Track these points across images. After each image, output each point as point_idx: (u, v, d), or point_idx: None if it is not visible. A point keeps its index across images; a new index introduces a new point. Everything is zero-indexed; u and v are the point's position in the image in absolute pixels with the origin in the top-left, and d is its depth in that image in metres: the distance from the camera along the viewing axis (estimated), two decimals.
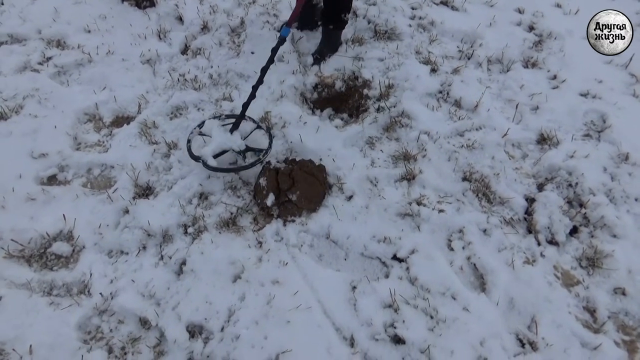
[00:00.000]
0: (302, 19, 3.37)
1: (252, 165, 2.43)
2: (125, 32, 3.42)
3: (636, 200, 2.44)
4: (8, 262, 2.10)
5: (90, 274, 2.09)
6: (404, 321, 1.95)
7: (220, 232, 2.27)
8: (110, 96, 2.90)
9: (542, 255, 2.24)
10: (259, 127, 2.65)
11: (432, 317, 1.97)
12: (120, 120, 2.85)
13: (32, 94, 2.84)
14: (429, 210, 2.35)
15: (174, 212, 2.32)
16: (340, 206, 2.37)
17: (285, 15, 3.59)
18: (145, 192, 2.44)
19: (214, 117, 2.68)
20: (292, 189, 2.34)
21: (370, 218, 2.33)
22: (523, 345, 1.93)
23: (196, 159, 2.42)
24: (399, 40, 3.37)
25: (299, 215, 2.34)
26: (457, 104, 2.93)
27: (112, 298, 2.01)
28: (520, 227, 2.37)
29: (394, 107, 2.86)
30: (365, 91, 2.99)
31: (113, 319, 1.97)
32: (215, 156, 2.43)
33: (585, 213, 2.39)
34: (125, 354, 1.88)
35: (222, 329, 1.92)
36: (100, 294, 2.01)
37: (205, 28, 3.53)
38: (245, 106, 2.52)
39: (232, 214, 2.34)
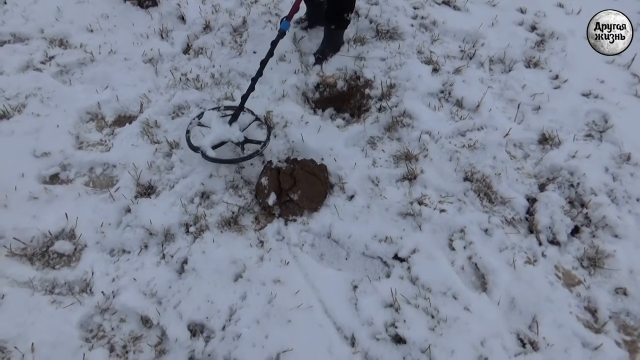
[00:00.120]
0: (312, 17, 3.37)
1: (251, 156, 2.44)
2: (128, 31, 3.43)
3: (638, 200, 2.44)
4: (10, 261, 2.11)
5: (92, 273, 2.10)
6: (404, 321, 1.95)
7: (221, 231, 2.28)
8: (112, 95, 2.91)
9: (543, 255, 2.24)
10: (257, 119, 2.66)
11: (433, 317, 1.98)
12: (123, 120, 2.85)
13: (34, 93, 2.85)
14: (430, 210, 2.35)
15: (175, 211, 2.32)
16: (341, 206, 2.37)
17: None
18: (147, 191, 2.44)
19: (213, 109, 2.69)
20: (293, 188, 2.35)
21: (372, 218, 2.33)
22: (524, 345, 1.93)
23: (195, 149, 2.43)
24: (401, 40, 3.37)
25: (300, 214, 2.34)
26: (459, 103, 2.93)
27: (113, 296, 2.01)
28: (521, 227, 2.37)
29: (396, 106, 2.86)
30: (367, 91, 3.00)
31: (115, 318, 1.97)
32: (214, 147, 2.44)
33: (586, 213, 2.38)
34: (126, 352, 1.88)
35: (224, 328, 1.93)
36: (102, 292, 2.02)
37: (207, 27, 3.53)
38: (245, 98, 2.52)
39: (233, 213, 2.35)
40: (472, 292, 2.08)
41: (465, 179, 2.53)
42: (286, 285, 2.06)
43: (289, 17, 2.48)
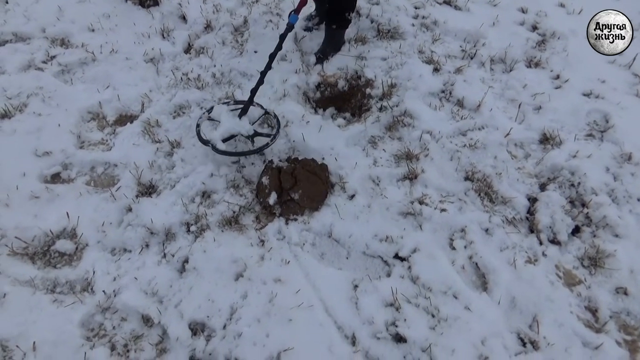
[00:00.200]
0: (322, 14, 3.37)
1: (261, 149, 2.46)
2: (129, 31, 3.43)
3: (638, 200, 2.43)
4: (12, 260, 2.12)
5: (94, 272, 2.10)
6: (405, 320, 1.95)
7: (222, 231, 2.28)
8: (113, 95, 2.92)
9: (544, 254, 2.24)
10: (266, 113, 2.68)
11: (433, 316, 1.98)
12: (124, 119, 2.86)
13: (36, 92, 2.85)
14: (431, 209, 2.35)
15: (176, 210, 2.33)
16: (342, 205, 2.37)
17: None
18: (148, 190, 2.45)
19: (223, 103, 2.70)
20: (294, 187, 2.35)
21: (373, 217, 2.33)
22: (524, 345, 1.93)
23: (205, 143, 2.45)
24: (402, 40, 3.37)
25: (301, 214, 2.35)
26: (460, 103, 2.93)
27: (114, 295, 2.02)
28: (522, 226, 2.37)
29: (397, 106, 2.86)
30: (368, 90, 3.00)
31: (116, 317, 1.98)
32: (224, 140, 2.45)
33: (587, 213, 2.38)
34: (127, 351, 1.89)
35: (224, 327, 1.93)
36: (103, 291, 2.03)
37: (208, 27, 3.54)
38: (254, 92, 2.54)
39: (234, 212, 2.35)
40: (473, 291, 2.08)
41: (466, 178, 2.53)
42: (287, 284, 2.06)
43: (297, 11, 2.49)
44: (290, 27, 2.49)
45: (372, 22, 3.50)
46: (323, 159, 2.57)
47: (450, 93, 2.98)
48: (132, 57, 3.22)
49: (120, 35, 3.38)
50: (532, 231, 2.34)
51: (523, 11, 3.84)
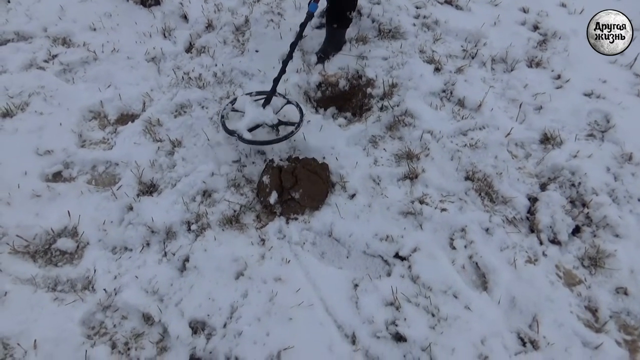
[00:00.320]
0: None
1: (286, 137, 2.47)
2: (130, 30, 3.44)
3: (639, 200, 2.43)
4: (13, 258, 2.13)
5: (95, 270, 2.11)
6: (405, 319, 1.95)
7: (223, 230, 2.28)
8: (115, 94, 2.92)
9: (544, 254, 2.24)
10: (289, 102, 2.69)
11: (433, 315, 1.98)
12: (125, 118, 2.87)
13: (37, 91, 2.86)
14: (431, 209, 2.35)
15: (177, 209, 2.33)
16: (343, 204, 2.38)
17: (290, 14, 3.59)
18: (149, 189, 2.45)
19: (246, 94, 2.71)
20: (295, 187, 2.35)
21: (373, 216, 2.34)
22: (524, 344, 1.93)
23: (231, 133, 2.46)
24: (403, 39, 3.37)
25: (301, 213, 2.35)
26: (461, 103, 2.93)
27: (115, 294, 2.02)
28: (522, 226, 2.37)
29: (398, 106, 2.86)
30: (369, 90, 3.00)
31: (117, 315, 1.98)
32: (250, 130, 2.47)
33: (587, 213, 2.38)
34: (128, 349, 1.89)
35: (225, 326, 1.93)
36: (104, 289, 2.03)
37: (209, 26, 3.55)
38: (276, 81, 2.56)
39: (235, 211, 2.35)
40: (473, 291, 2.08)
41: (467, 178, 2.53)
42: (287, 283, 2.07)
43: None
44: (310, 15, 2.49)
45: (373, 21, 3.51)
46: (324, 158, 2.57)
47: (451, 93, 2.98)
48: (134, 57, 3.23)
49: (122, 35, 3.39)
50: (532, 231, 2.35)
51: (524, 11, 3.84)
